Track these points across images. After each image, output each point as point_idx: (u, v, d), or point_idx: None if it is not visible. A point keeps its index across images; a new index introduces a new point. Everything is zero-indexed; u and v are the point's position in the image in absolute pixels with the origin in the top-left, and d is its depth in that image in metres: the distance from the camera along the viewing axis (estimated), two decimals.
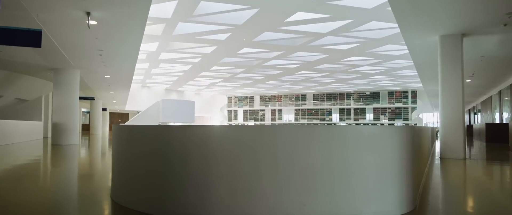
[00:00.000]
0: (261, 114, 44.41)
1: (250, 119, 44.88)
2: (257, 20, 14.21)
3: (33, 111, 21.12)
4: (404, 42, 16.33)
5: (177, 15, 13.43)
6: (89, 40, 10.49)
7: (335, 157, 3.12)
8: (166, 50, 19.44)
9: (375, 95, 38.53)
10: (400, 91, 37.38)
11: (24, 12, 7.79)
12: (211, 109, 44.53)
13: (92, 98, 27.15)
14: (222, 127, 3.29)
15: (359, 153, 3.16)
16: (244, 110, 45.46)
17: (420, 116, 37.22)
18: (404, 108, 37.29)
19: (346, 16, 13.74)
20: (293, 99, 42.32)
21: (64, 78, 15.20)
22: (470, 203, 4.41)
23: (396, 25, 14.13)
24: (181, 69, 26.17)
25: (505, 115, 20.03)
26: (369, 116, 38.93)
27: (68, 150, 12.22)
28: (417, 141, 4.43)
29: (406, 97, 37.17)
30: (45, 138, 20.27)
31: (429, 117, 38.48)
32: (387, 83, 33.02)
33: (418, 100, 36.52)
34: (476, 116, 31.52)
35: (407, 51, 18.13)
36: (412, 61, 20.43)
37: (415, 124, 35.98)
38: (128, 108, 35.77)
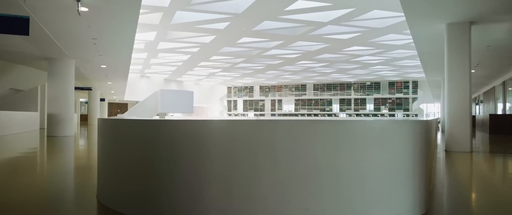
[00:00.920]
0: (261, 104, 44.12)
1: (250, 109, 44.61)
2: (256, 8, 13.86)
3: (29, 101, 20.76)
4: (406, 31, 16.10)
5: (174, 3, 13.05)
6: (81, 29, 10.10)
7: (342, 156, 2.78)
8: (164, 40, 19.09)
9: (375, 86, 38.19)
10: (400, 82, 37.04)
11: None
12: (210, 99, 44.25)
13: (89, 89, 26.79)
14: (216, 122, 2.95)
15: (368, 150, 2.83)
16: (244, 100, 45.16)
17: (421, 106, 36.90)
18: (405, 98, 36.96)
19: (347, 4, 13.37)
20: (293, 89, 41.98)
21: (59, 68, 14.82)
22: (486, 203, 4.07)
23: (399, 14, 13.88)
24: (180, 59, 25.85)
25: (509, 105, 19.72)
26: (370, 106, 38.63)
27: (62, 142, 11.91)
28: (428, 135, 4.10)
29: (407, 87, 36.84)
30: (42, 128, 19.96)
31: (430, 107, 38.17)
32: (388, 74, 32.69)
33: (419, 90, 36.18)
34: (477, 106, 31.21)
35: (409, 41, 17.90)
36: (413, 51, 20.23)
37: (416, 115, 35.69)
38: (127, 98, 35.49)
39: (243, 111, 45.03)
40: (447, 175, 5.86)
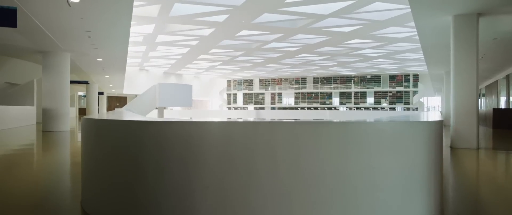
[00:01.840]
0: (261, 98, 43.81)
1: (249, 103, 44.30)
2: (256, 0, 13.52)
3: (26, 96, 20.44)
4: (408, 24, 15.78)
5: None
6: (74, 21, 9.76)
7: (350, 161, 2.47)
8: (163, 33, 18.76)
9: (376, 79, 37.84)
10: (401, 75, 36.69)
11: None
12: (210, 92, 43.96)
13: (86, 82, 26.46)
14: (208, 123, 2.64)
15: (379, 155, 2.52)
16: (243, 93, 44.85)
17: (421, 99, 36.57)
18: (406, 91, 36.61)
19: None
20: (293, 82, 41.64)
21: (54, 61, 14.47)
22: (505, 211, 3.73)
23: (401, 6, 13.53)
24: (179, 52, 25.54)
25: None
26: (370, 100, 38.30)
27: (57, 137, 11.61)
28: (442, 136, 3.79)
29: (408, 81, 36.48)
30: (39, 123, 19.64)
31: (431, 101, 37.86)
32: (388, 67, 32.36)
33: (419, 84, 35.83)
34: (479, 100, 30.90)
35: (411, 34, 17.58)
36: (415, 44, 19.92)
37: (416, 108, 35.40)
38: (126, 91, 35.18)
39: (243, 104, 44.73)
40: (457, 177, 5.51)
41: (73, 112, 32.81)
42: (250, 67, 33.70)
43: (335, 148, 2.46)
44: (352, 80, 38.73)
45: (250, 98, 44.48)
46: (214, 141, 2.54)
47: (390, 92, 37.32)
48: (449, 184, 4.71)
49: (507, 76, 19.70)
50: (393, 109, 36.71)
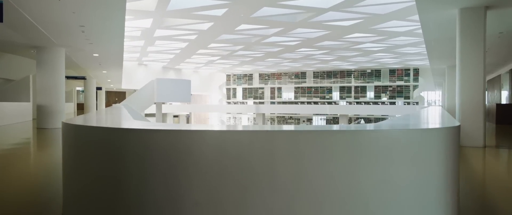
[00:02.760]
0: (260, 92, 43.53)
1: (249, 97, 44.01)
2: None
3: (22, 92, 20.06)
4: (409, 18, 15.46)
5: None
6: (66, 15, 9.42)
7: (360, 174, 2.18)
8: (161, 27, 18.42)
9: (376, 73, 37.54)
10: (401, 69, 36.37)
11: None
12: (209, 87, 43.67)
13: (83, 78, 26.14)
14: (197, 132, 2.34)
15: (393, 167, 2.22)
16: (243, 88, 44.55)
17: (422, 94, 36.27)
18: (406, 86, 36.31)
19: None
20: (293, 77, 41.34)
21: (48, 56, 14.13)
22: None
23: None
24: (177, 46, 25.21)
25: None
26: (370, 94, 38.01)
27: (50, 135, 11.31)
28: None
29: (408, 75, 36.17)
30: (35, 119, 19.31)
31: (431, 95, 37.57)
32: (389, 61, 32.04)
33: (420, 78, 35.52)
34: None
35: (412, 27, 17.26)
36: (416, 38, 19.60)
37: (417, 103, 35.12)
38: (124, 86, 34.87)
39: (243, 98, 44.45)
40: (468, 180, 5.10)
41: (71, 107, 32.50)
42: (249, 61, 33.39)
43: (342, 160, 2.17)
44: (352, 75, 38.44)
45: (250, 93, 44.21)
46: (205, 152, 2.24)
47: (390, 86, 37.03)
48: (466, 193, 4.28)
49: (510, 71, 19.39)
50: (393, 103, 36.48)
